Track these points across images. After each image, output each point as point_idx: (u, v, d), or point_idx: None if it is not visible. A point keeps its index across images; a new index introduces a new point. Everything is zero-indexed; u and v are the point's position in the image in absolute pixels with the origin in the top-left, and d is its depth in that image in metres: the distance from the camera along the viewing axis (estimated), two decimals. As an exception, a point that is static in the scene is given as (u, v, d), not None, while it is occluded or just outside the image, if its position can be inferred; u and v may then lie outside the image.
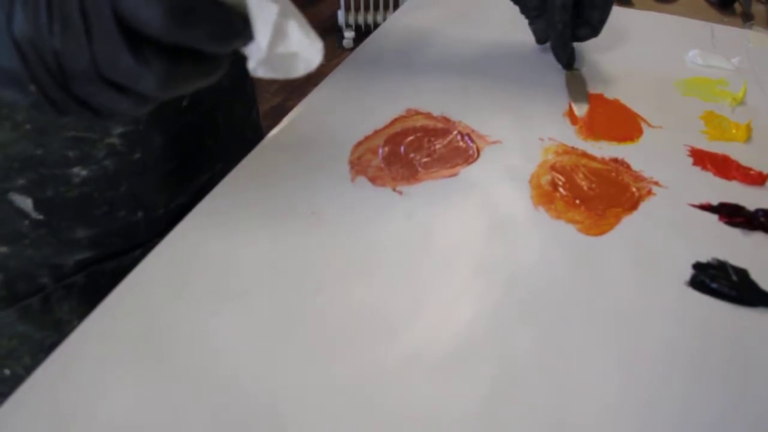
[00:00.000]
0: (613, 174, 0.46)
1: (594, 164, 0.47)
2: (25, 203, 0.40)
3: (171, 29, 0.22)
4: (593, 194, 0.44)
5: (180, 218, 0.49)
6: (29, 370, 0.45)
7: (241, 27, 0.24)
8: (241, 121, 0.55)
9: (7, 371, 0.46)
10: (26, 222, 0.41)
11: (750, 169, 0.46)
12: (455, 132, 0.50)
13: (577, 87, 0.55)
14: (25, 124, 0.38)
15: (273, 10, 0.23)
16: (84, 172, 0.41)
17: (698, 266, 0.38)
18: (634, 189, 0.44)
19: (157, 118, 0.43)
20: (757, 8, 0.85)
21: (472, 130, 0.50)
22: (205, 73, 0.25)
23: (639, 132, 0.51)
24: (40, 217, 0.41)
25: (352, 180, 0.45)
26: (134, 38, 0.22)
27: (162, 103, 0.43)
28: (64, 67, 0.22)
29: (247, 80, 0.56)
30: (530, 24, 0.57)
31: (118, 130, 0.41)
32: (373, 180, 0.45)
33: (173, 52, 0.23)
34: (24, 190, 0.40)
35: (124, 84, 0.23)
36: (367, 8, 2.29)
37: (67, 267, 0.45)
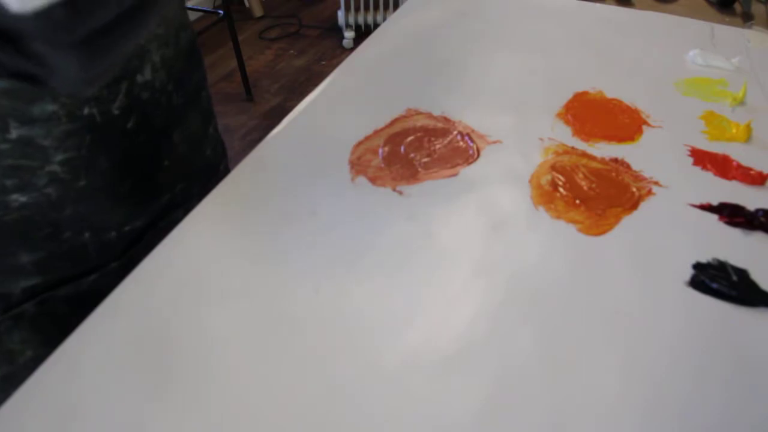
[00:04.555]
0: (613, 174, 0.46)
1: (594, 164, 0.47)
2: None
3: (66, 31, 0.20)
4: (593, 194, 0.44)
5: (142, 240, 0.46)
6: None
7: None
8: (198, 138, 0.52)
9: None
10: None
11: (750, 169, 0.46)
12: (455, 132, 0.50)
13: None
14: None
15: None
16: (23, 199, 0.38)
17: (698, 266, 0.38)
18: (634, 189, 0.44)
19: (100, 142, 0.40)
20: (757, 8, 0.85)
21: (472, 130, 0.50)
22: (123, 33, 0.22)
23: (639, 132, 0.51)
24: None
25: (352, 180, 0.45)
26: None
27: (104, 126, 0.39)
28: None
29: (202, 95, 0.52)
30: None
31: (59, 157, 0.39)
32: (373, 180, 0.45)
33: None
34: None
35: None
36: (367, 8, 2.29)
37: (15, 296, 0.42)
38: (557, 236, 0.41)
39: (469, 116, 0.51)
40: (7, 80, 0.22)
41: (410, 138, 0.49)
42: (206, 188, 0.44)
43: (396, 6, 2.22)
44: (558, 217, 0.42)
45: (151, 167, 0.46)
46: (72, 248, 0.43)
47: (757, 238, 0.41)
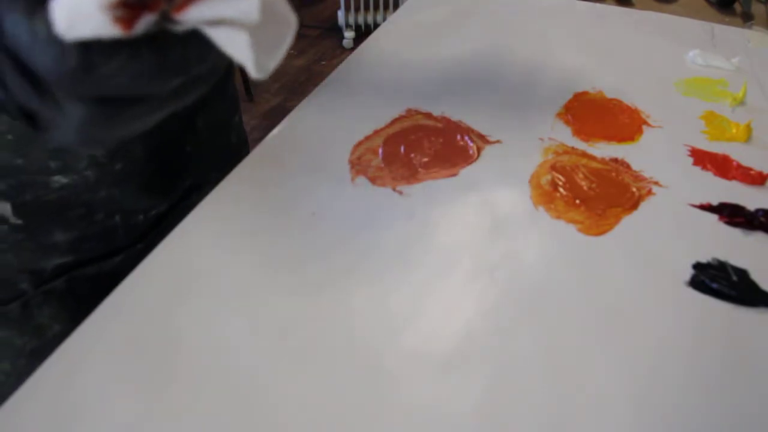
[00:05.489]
0: (613, 174, 0.46)
1: (594, 164, 0.47)
2: (4, 208, 0.40)
3: (70, 84, 0.19)
4: (593, 194, 0.44)
5: (162, 224, 0.48)
6: (9, 375, 0.44)
7: (182, 63, 0.20)
8: (223, 125, 0.54)
9: None
10: (5, 227, 0.41)
11: (750, 169, 0.46)
12: (455, 132, 0.50)
13: None
14: (6, 135, 0.37)
15: (243, 37, 0.19)
16: (64, 180, 0.41)
17: (698, 266, 0.38)
18: (634, 189, 0.44)
19: None
20: (757, 8, 0.85)
21: (472, 130, 0.50)
22: (148, 112, 0.21)
23: (639, 132, 0.51)
24: (19, 221, 0.41)
25: (352, 180, 0.45)
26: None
27: None
28: None
29: (229, 83, 0.54)
30: None
31: None
32: (373, 180, 0.45)
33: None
34: (3, 196, 0.40)
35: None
36: (367, 8, 2.29)
37: (47, 272, 0.44)
38: (557, 236, 0.41)
39: (469, 116, 0.51)
40: (9, 117, 0.22)
41: (410, 138, 0.49)
42: (224, 174, 0.45)
43: (396, 6, 2.22)
44: (558, 217, 0.42)
45: (176, 153, 0.48)
46: (104, 230, 0.45)
47: (757, 238, 0.41)
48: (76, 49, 0.18)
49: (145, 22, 0.18)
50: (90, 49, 0.18)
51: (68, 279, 0.45)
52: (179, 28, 0.19)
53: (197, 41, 0.19)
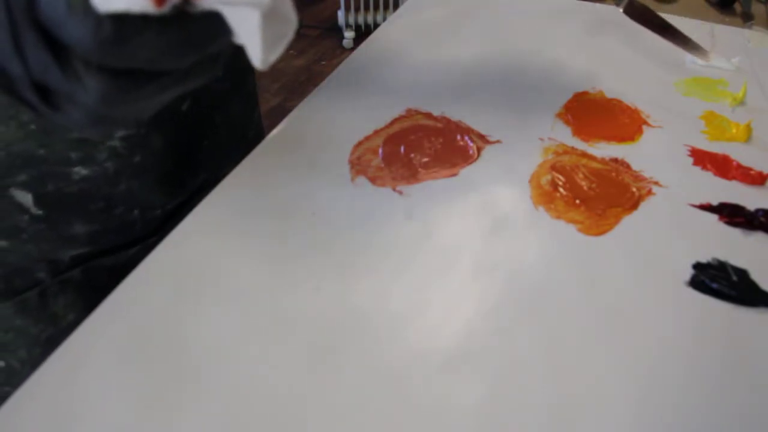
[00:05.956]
0: (613, 174, 0.46)
1: (594, 164, 0.47)
2: (26, 198, 0.41)
3: (101, 55, 0.19)
4: (593, 194, 0.44)
5: (175, 217, 0.49)
6: (24, 363, 0.46)
7: (202, 40, 0.20)
8: (241, 121, 0.55)
9: (2, 363, 0.46)
10: (26, 217, 0.42)
11: (750, 169, 0.46)
12: (455, 132, 0.50)
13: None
14: (30, 124, 0.38)
15: (255, 17, 0.20)
16: (85, 171, 0.42)
17: (698, 266, 0.38)
18: (634, 189, 0.45)
19: (158, 121, 0.43)
20: (757, 8, 0.85)
21: (472, 130, 0.50)
22: (160, 91, 0.22)
23: (639, 132, 0.51)
24: (40, 212, 0.42)
25: (352, 180, 0.45)
26: (65, 49, 0.20)
27: (163, 107, 0.43)
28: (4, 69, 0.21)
29: (249, 80, 0.55)
30: None
31: (120, 133, 0.42)
32: (373, 180, 0.45)
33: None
34: (24, 186, 0.40)
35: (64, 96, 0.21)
36: (367, 8, 2.29)
37: (64, 262, 0.45)
38: (557, 236, 0.41)
39: (469, 116, 0.51)
40: (15, 96, 0.22)
41: (410, 138, 0.49)
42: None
43: (396, 6, 2.22)
44: (558, 217, 0.42)
45: (193, 147, 0.49)
46: (123, 223, 0.46)
47: (757, 238, 0.41)
48: (110, 20, 0.19)
49: (172, 2, 0.19)
50: (123, 22, 0.19)
51: (84, 269, 0.46)
52: (196, 9, 0.20)
53: (212, 20, 0.20)
